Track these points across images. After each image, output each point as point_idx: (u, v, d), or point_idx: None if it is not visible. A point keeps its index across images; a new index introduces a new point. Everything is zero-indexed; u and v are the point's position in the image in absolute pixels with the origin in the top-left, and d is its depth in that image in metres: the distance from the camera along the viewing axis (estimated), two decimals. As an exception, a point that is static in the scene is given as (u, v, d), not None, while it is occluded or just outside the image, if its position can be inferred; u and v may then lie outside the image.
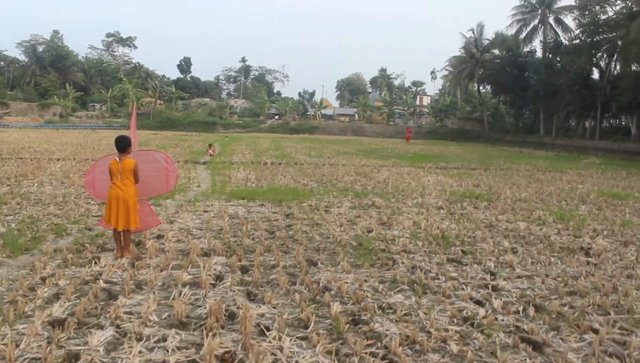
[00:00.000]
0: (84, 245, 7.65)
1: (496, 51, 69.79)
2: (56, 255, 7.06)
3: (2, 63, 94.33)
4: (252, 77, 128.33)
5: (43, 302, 5.39)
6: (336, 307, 5.25)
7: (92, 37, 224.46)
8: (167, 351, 4.32)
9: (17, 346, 4.28)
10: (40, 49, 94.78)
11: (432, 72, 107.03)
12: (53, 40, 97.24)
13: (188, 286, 5.91)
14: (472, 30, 72.20)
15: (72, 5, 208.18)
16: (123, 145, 7.24)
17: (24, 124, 66.15)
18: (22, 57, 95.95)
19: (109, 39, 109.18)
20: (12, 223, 9.07)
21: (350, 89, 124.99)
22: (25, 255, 7.17)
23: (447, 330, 4.88)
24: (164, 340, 4.53)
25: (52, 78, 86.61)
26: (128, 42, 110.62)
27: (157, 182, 7.99)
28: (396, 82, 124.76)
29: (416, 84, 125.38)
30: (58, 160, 20.55)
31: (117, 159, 7.20)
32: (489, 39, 70.69)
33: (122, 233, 7.22)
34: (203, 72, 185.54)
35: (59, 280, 6.08)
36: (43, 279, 6.13)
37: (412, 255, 7.63)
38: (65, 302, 5.34)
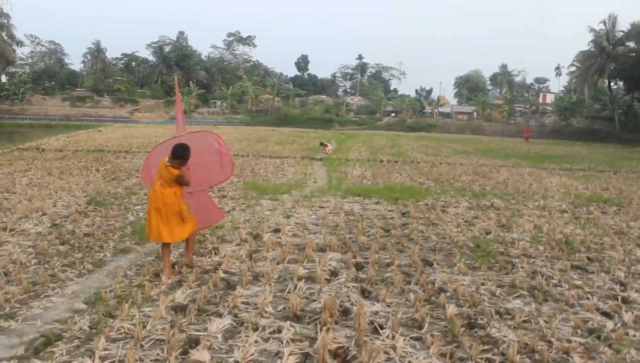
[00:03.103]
0: (204, 236, 7.97)
1: (631, 44, 64.67)
2: (179, 244, 7.40)
3: (134, 63, 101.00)
4: (369, 74, 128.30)
5: (167, 288, 5.70)
6: (451, 309, 5.12)
7: (214, 37, 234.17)
8: (282, 342, 4.42)
9: (144, 327, 4.56)
10: (167, 49, 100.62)
11: (557, 68, 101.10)
12: (178, 41, 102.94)
13: (303, 280, 6.00)
14: (604, 22, 67.53)
15: (197, 7, 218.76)
16: (178, 153, 6.13)
17: (151, 119, 70.55)
18: (151, 58, 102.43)
19: (230, 38, 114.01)
20: (140, 212, 9.66)
21: (468, 86, 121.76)
22: (152, 242, 7.58)
23: (569, 341, 4.61)
24: (279, 331, 4.63)
25: (177, 77, 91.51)
26: (248, 41, 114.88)
27: (213, 168, 7.11)
28: (517, 79, 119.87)
29: (539, 80, 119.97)
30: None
31: (166, 160, 6.21)
32: (623, 31, 65.61)
33: (169, 245, 6.37)
34: (320, 69, 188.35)
35: (181, 268, 6.40)
36: (168, 266, 6.47)
37: (532, 260, 7.29)
38: (187, 289, 5.62)
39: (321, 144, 28.12)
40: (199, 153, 6.75)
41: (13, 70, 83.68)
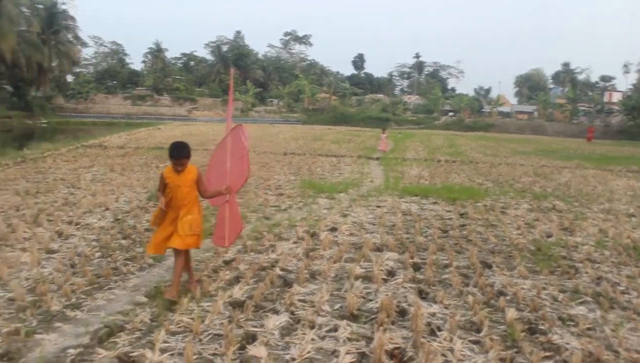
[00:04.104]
0: (262, 233, 8.03)
1: None
2: (237, 241, 7.47)
3: (192, 63, 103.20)
4: (426, 73, 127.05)
5: (225, 284, 5.77)
6: (511, 313, 4.99)
7: (271, 36, 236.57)
8: (338, 341, 4.40)
9: (203, 321, 4.63)
10: (225, 48, 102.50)
11: (625, 66, 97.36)
12: (236, 40, 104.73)
13: (360, 279, 5.97)
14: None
15: (254, 7, 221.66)
16: (172, 152, 5.59)
17: (209, 118, 71.84)
18: (209, 57, 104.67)
19: (287, 38, 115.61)
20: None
21: (529, 85, 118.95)
22: (210, 239, 7.69)
23: (638, 352, 4.42)
24: (335, 330, 4.61)
25: (234, 75, 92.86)
26: (304, 40, 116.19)
27: (241, 166, 6.06)
28: (581, 77, 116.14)
29: (605, 78, 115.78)
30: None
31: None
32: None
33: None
34: (376, 68, 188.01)
35: (239, 265, 6.48)
36: (225, 263, 6.58)
37: (597, 265, 7.03)
38: (244, 286, 5.66)
39: (383, 130, 28.26)
40: (235, 152, 6.06)
41: (78, 70, 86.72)
